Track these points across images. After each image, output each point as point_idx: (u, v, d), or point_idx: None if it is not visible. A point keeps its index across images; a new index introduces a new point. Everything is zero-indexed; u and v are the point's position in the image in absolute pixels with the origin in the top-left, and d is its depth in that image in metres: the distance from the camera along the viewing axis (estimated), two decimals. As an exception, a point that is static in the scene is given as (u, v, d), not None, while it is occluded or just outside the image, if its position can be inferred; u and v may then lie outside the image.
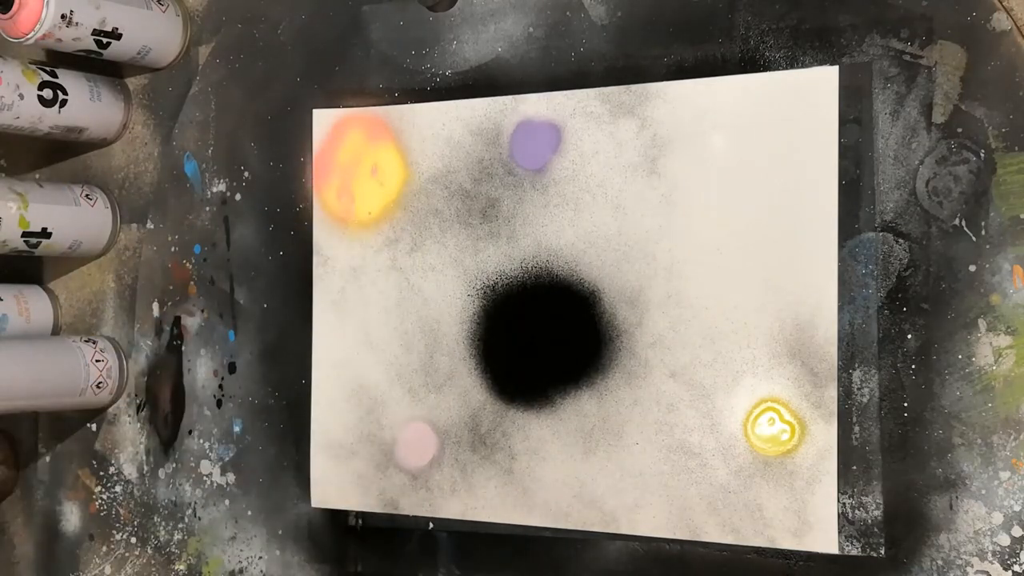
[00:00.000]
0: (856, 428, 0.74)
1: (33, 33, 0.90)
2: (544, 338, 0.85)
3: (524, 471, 0.85)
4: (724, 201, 0.78)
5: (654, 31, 0.81)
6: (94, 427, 1.06)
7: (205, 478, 1.00)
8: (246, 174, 0.98)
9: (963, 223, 0.72)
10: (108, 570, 1.05)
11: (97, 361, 1.01)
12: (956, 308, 0.72)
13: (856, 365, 0.74)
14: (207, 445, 1.00)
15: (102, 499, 1.06)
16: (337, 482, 0.93)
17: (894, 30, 0.73)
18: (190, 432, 1.01)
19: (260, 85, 0.97)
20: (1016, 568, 0.70)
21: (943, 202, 0.72)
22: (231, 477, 0.98)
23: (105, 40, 0.95)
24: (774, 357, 0.77)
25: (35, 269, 1.09)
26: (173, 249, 1.01)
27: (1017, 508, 0.70)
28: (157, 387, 1.03)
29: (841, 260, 0.75)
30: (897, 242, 0.73)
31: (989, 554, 0.70)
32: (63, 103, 0.98)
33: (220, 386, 0.99)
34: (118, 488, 1.05)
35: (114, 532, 1.05)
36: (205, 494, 1.00)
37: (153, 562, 1.03)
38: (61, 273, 1.08)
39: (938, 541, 0.72)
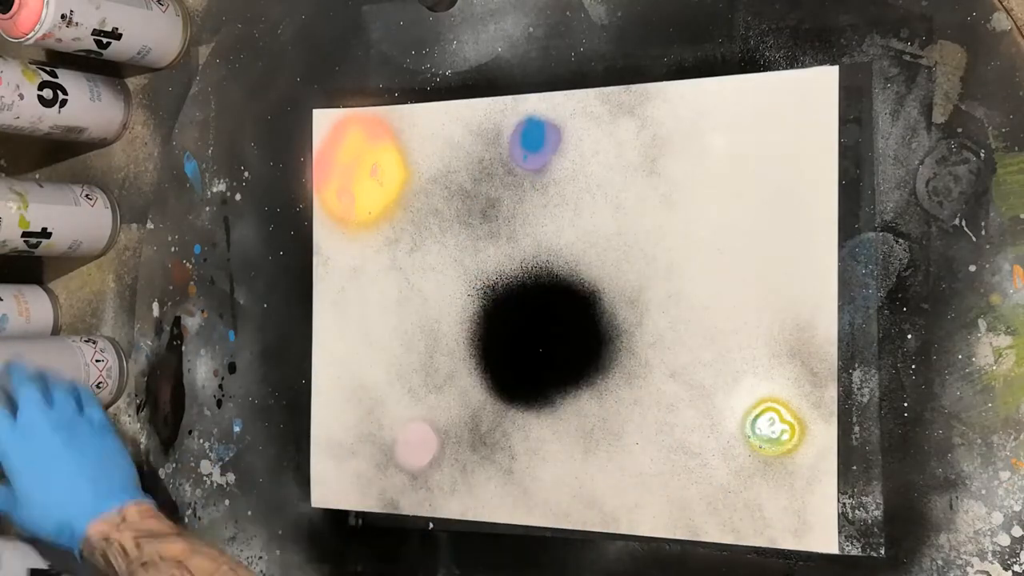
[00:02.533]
0: (856, 428, 0.74)
1: (33, 33, 0.90)
2: (544, 338, 0.85)
3: (524, 471, 0.85)
4: (724, 201, 0.78)
5: (654, 31, 0.81)
6: (94, 427, 1.06)
7: (205, 478, 1.00)
8: (246, 174, 0.98)
9: (963, 223, 0.72)
10: (108, 570, 1.05)
11: (97, 361, 1.01)
12: (956, 308, 0.72)
13: (856, 365, 0.74)
14: (207, 445, 1.00)
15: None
16: (337, 482, 0.93)
17: (894, 30, 0.73)
18: (190, 432, 1.01)
19: (260, 85, 0.97)
20: (1016, 568, 0.70)
21: (943, 202, 0.72)
22: (231, 477, 0.98)
23: (105, 40, 0.95)
24: (774, 357, 0.77)
25: (35, 269, 1.09)
26: (173, 249, 1.01)
27: (1017, 508, 0.70)
28: (157, 387, 1.03)
29: (841, 260, 0.75)
30: (897, 242, 0.73)
31: (989, 554, 0.70)
32: (63, 103, 0.98)
33: (220, 386, 0.99)
34: (118, 488, 1.05)
35: (114, 532, 1.05)
36: (205, 494, 1.00)
37: (153, 562, 1.02)
38: (61, 273, 1.08)
39: (938, 541, 0.72)
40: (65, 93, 0.98)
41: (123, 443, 0.85)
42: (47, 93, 0.96)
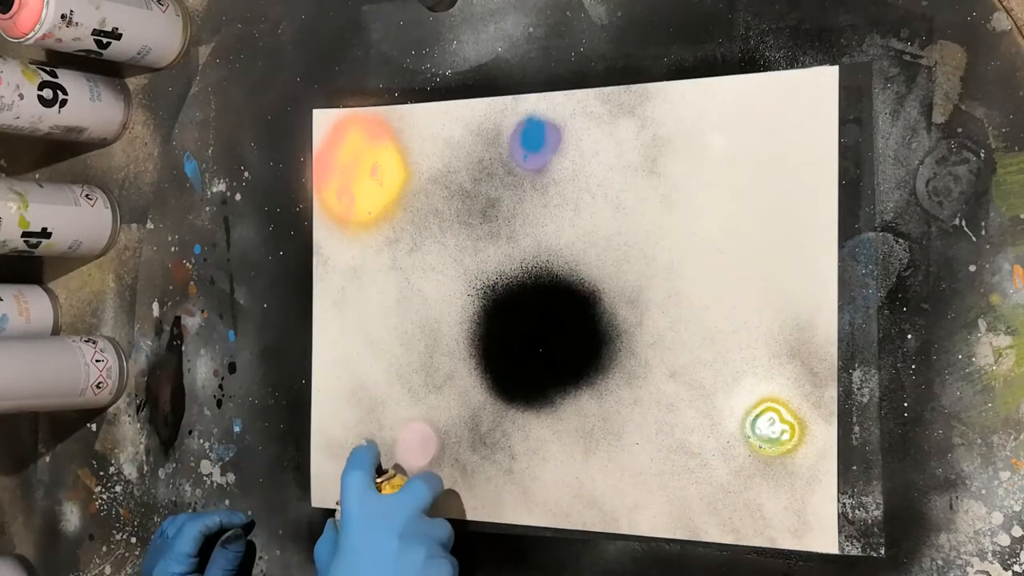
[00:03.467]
0: (856, 428, 0.74)
1: (33, 33, 0.90)
2: (544, 338, 0.85)
3: (524, 471, 0.85)
4: (724, 201, 0.78)
5: (654, 31, 0.81)
6: (94, 427, 1.06)
7: (205, 478, 1.00)
8: (246, 174, 0.98)
9: (963, 223, 0.72)
10: (108, 570, 1.05)
11: (97, 361, 1.01)
12: (956, 308, 0.72)
13: (856, 365, 0.74)
14: (207, 445, 1.00)
15: (102, 499, 1.06)
16: (337, 482, 0.93)
17: (894, 30, 0.73)
18: (190, 432, 1.01)
19: (260, 85, 0.97)
20: (1016, 568, 0.70)
21: (943, 202, 0.72)
22: (231, 477, 0.98)
23: (105, 40, 0.95)
24: (774, 357, 0.77)
25: (35, 269, 1.09)
26: (173, 249, 1.01)
27: (1017, 508, 0.70)
28: (157, 387, 1.03)
29: (841, 260, 0.75)
30: (897, 242, 0.73)
31: (989, 554, 0.70)
32: (63, 103, 0.98)
33: (220, 386, 0.99)
34: (118, 488, 1.05)
35: (114, 532, 1.05)
36: (205, 494, 1.00)
37: (153, 562, 1.03)
38: (61, 273, 1.09)
39: (938, 541, 0.72)
40: (65, 93, 0.98)
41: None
42: (47, 93, 0.96)
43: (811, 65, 0.76)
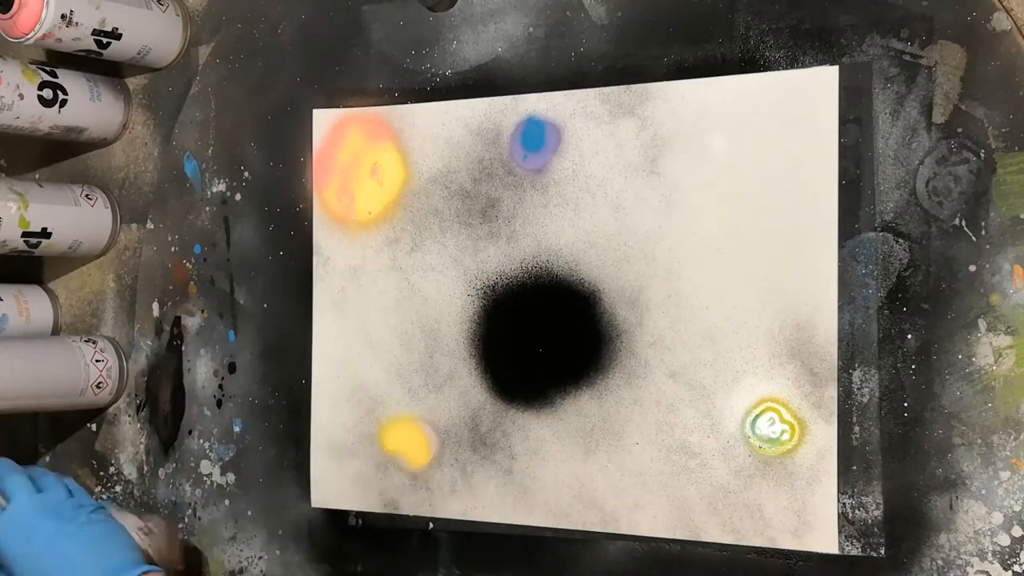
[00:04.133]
0: (856, 428, 0.74)
1: (33, 33, 0.90)
2: (544, 338, 0.85)
3: (524, 471, 0.85)
4: (724, 201, 0.78)
5: (654, 31, 0.81)
6: (94, 427, 1.06)
7: (205, 478, 1.00)
8: (246, 174, 0.98)
9: (963, 223, 0.72)
10: (108, 570, 1.05)
11: (97, 361, 1.01)
12: (956, 308, 0.72)
13: (856, 365, 0.74)
14: (207, 445, 1.00)
15: (102, 499, 1.06)
16: (337, 482, 0.93)
17: (894, 30, 0.73)
18: (190, 432, 1.01)
19: (260, 85, 0.97)
20: (1016, 568, 0.70)
21: (943, 202, 0.72)
22: (231, 477, 0.98)
23: (105, 40, 0.95)
24: (774, 357, 0.77)
25: (35, 269, 1.09)
26: (173, 249, 1.01)
27: (1017, 508, 0.70)
28: (157, 387, 1.03)
29: (841, 260, 0.75)
30: (897, 242, 0.73)
31: (989, 554, 0.70)
32: (63, 103, 0.98)
33: (220, 386, 0.99)
34: (118, 488, 1.05)
35: (114, 532, 1.05)
36: (205, 494, 1.00)
37: (153, 562, 1.03)
38: (61, 273, 1.08)
39: (938, 541, 0.72)
40: (65, 93, 0.98)
41: (119, 523, 0.83)
42: (47, 93, 0.96)
43: (811, 65, 0.76)
